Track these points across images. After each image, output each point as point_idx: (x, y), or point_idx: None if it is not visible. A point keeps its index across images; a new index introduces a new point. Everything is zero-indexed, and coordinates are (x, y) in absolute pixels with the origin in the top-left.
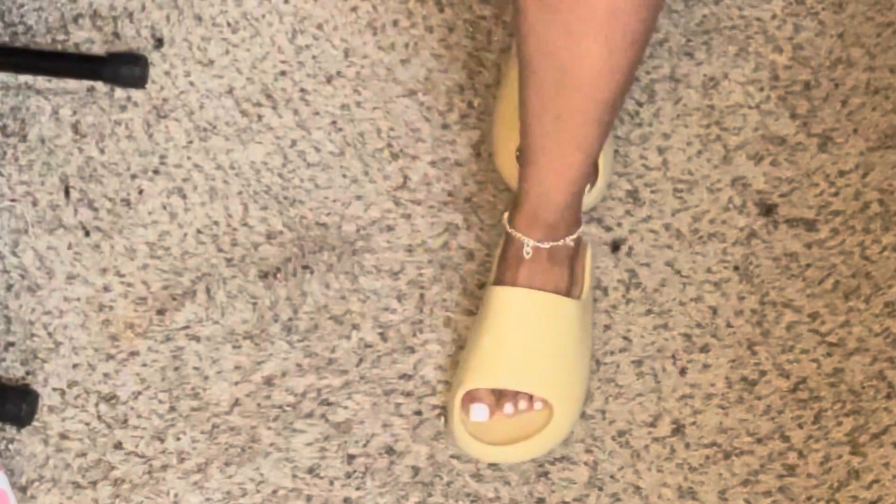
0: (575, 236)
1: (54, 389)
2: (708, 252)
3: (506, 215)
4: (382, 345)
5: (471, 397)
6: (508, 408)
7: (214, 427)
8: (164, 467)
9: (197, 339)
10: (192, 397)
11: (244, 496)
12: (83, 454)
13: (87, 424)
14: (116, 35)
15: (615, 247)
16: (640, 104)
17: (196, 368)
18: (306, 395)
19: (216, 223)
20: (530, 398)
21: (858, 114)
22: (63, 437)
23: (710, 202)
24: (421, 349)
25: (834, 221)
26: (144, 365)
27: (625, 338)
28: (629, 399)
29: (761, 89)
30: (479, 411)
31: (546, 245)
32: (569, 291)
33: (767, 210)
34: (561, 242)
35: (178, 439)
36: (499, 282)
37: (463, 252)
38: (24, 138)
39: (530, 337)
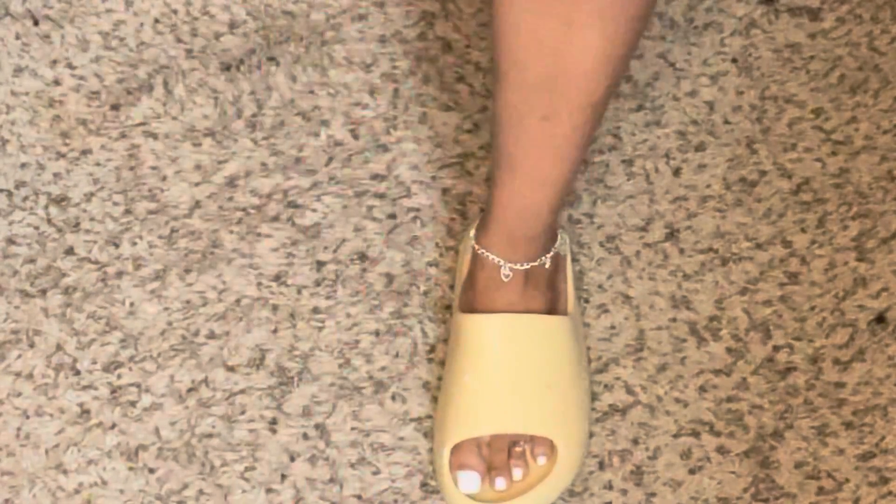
0: (553, 253)
1: (1, 191)
2: (704, 43)
3: (472, 235)
4: (354, 143)
5: (458, 460)
6: (500, 482)
7: (173, 231)
8: (119, 274)
9: (154, 136)
10: (149, 199)
11: (205, 305)
12: (32, 260)
13: (37, 228)
14: None
15: None
16: None
17: (153, 168)
18: (272, 197)
19: (175, 11)
20: (530, 448)
21: None
22: (10, 242)
23: None
24: (395, 147)
25: (840, 10)
26: (98, 164)
27: (614, 135)
28: (619, 201)
29: None
30: (469, 481)
31: (525, 266)
32: (554, 308)
33: None
34: (539, 262)
35: (134, 244)
36: (471, 309)
37: (440, 43)
38: None
39: (520, 369)
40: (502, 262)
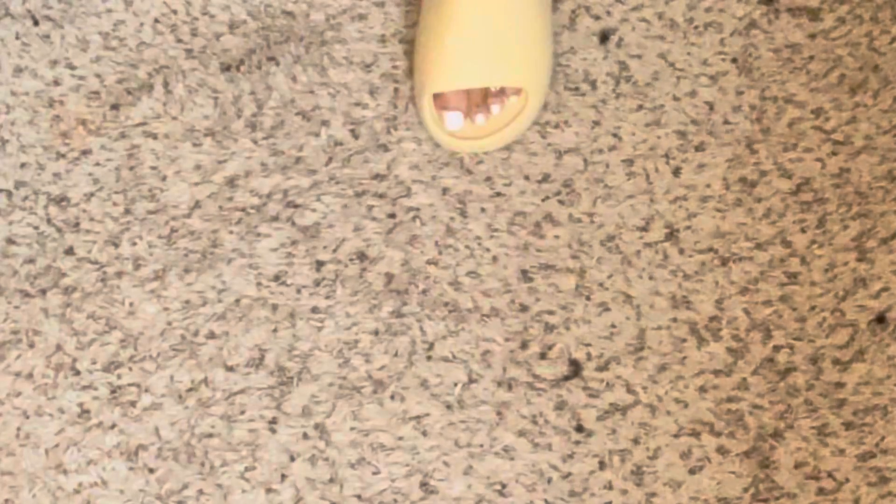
0: None
1: (0, 191)
2: (704, 43)
3: None
4: (354, 142)
5: (441, 104)
6: (481, 119)
7: (173, 231)
8: (119, 274)
9: (154, 136)
10: (149, 199)
11: (204, 305)
12: (31, 260)
13: (36, 228)
14: None
15: (604, 37)
16: None
17: (153, 168)
18: (272, 197)
19: (175, 11)
20: (502, 91)
21: None
22: (10, 241)
23: None
24: (395, 147)
25: (839, 10)
26: (97, 164)
27: (614, 135)
28: (619, 201)
29: None
30: (454, 119)
31: None
32: None
33: None
34: None
35: (134, 244)
36: None
37: None
38: None
39: (496, 26)
40: None
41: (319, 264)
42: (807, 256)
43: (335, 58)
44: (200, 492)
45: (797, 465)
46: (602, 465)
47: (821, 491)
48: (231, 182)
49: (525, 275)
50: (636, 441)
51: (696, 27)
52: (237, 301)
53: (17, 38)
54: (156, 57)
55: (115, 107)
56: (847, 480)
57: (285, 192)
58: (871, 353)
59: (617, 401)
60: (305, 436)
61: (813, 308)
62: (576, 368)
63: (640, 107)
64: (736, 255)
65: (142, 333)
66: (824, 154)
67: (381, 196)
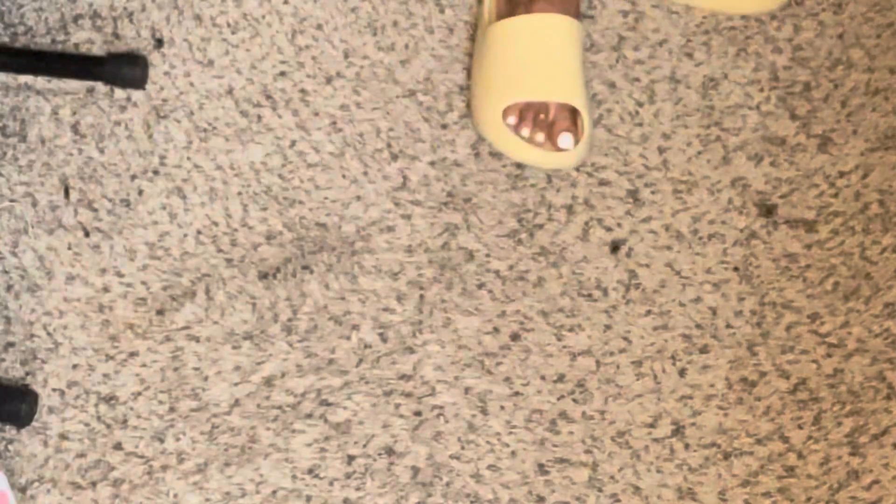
0: None
1: (54, 390)
2: (708, 253)
3: None
4: (382, 345)
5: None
6: (566, 139)
7: (214, 427)
8: (164, 468)
9: (196, 339)
10: (192, 398)
11: (243, 497)
12: (83, 455)
13: (87, 425)
14: (116, 35)
15: (615, 247)
16: (640, 104)
17: (196, 369)
18: (306, 396)
19: (216, 224)
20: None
21: (858, 114)
22: (63, 437)
23: (710, 203)
24: (420, 350)
25: (834, 222)
26: (144, 365)
27: (624, 338)
28: (629, 399)
29: (761, 90)
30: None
31: None
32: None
33: (767, 211)
34: None
35: (178, 440)
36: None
37: (462, 252)
38: (23, 139)
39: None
40: None
41: (350, 458)
42: (803, 451)
43: (365, 266)
44: None
45: None
46: None
47: None
48: (268, 382)
49: (541, 468)
50: None
51: (700, 238)
52: (274, 493)
53: (69, 248)
54: (198, 266)
55: (160, 312)
56: None
57: (319, 392)
58: None
59: None
60: None
61: (809, 499)
62: None
63: (649, 312)
64: (737, 449)
65: None
66: (819, 356)
67: (408, 395)
